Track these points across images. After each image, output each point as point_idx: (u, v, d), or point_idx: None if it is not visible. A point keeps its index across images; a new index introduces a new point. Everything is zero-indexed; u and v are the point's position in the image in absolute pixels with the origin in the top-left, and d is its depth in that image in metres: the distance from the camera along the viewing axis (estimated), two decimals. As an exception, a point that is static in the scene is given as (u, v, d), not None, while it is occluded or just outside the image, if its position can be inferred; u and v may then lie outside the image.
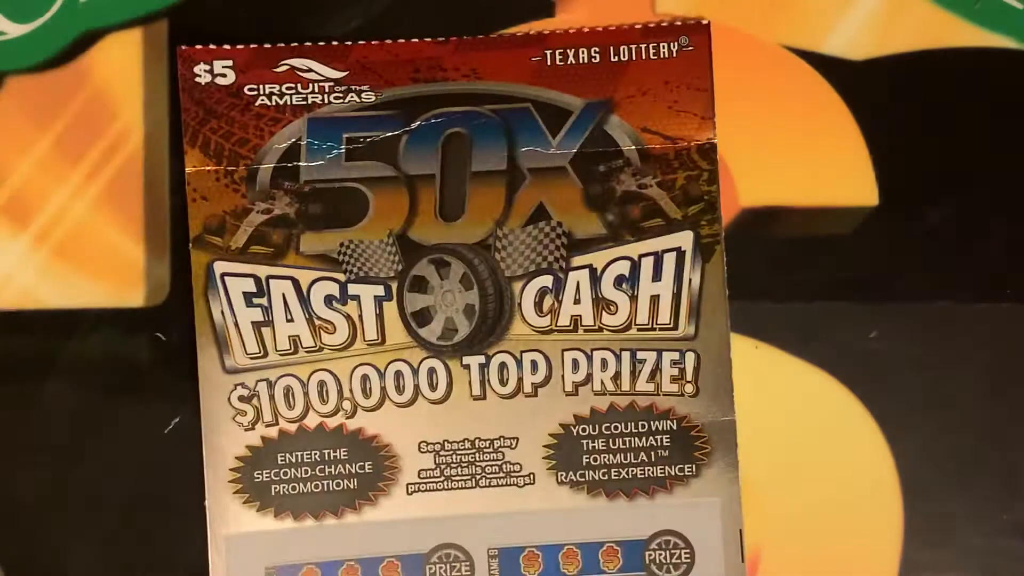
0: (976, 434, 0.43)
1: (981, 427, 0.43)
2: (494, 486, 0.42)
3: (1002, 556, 0.43)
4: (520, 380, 0.42)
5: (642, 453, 0.42)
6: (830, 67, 0.44)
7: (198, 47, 0.42)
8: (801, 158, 0.43)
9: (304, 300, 0.42)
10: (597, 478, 0.42)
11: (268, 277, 0.42)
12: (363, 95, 0.42)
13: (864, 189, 0.43)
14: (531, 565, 0.42)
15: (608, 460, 0.42)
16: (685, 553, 0.42)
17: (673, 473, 0.42)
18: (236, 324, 0.41)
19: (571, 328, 0.42)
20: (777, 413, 0.43)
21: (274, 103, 0.42)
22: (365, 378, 0.42)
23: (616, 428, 0.42)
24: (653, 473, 0.42)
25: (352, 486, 0.42)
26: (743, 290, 0.43)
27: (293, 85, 0.42)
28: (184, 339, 0.42)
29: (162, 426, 0.43)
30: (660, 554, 0.42)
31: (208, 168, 0.42)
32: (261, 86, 0.42)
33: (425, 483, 0.42)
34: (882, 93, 0.44)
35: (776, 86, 0.44)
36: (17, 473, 0.43)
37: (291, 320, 0.42)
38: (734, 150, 0.43)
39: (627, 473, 0.42)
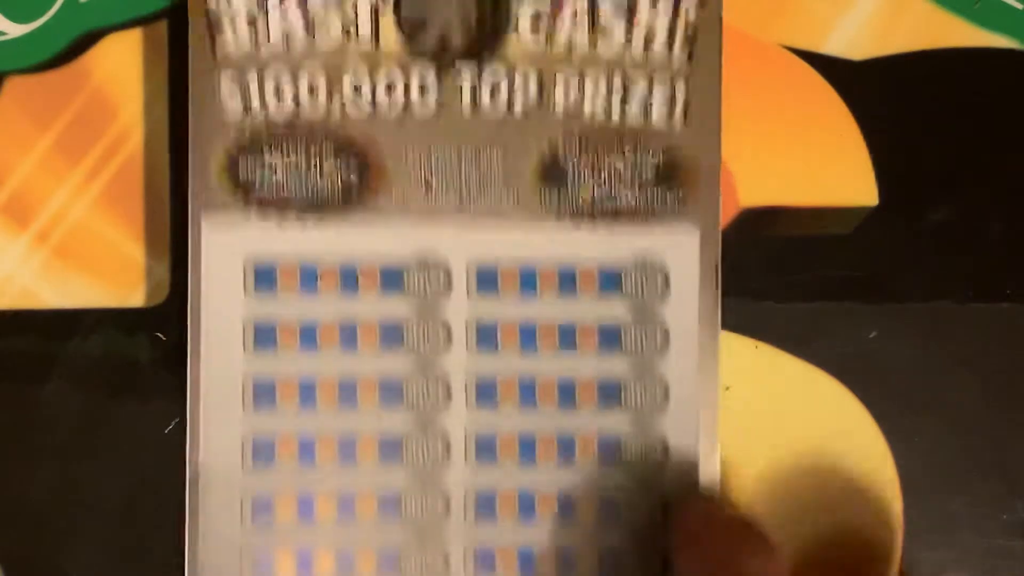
0: (976, 434, 0.43)
1: (981, 427, 0.43)
2: (478, 202, 0.42)
3: (1002, 556, 0.43)
4: (511, 99, 0.41)
5: (627, 181, 0.42)
6: (830, 67, 0.44)
7: None
8: (801, 158, 0.43)
9: None
10: (581, 201, 0.42)
11: None
12: None
13: (864, 189, 0.43)
14: (510, 283, 0.42)
15: (593, 186, 0.42)
16: (661, 280, 0.42)
17: (656, 203, 0.42)
18: (230, 7, 0.41)
19: (566, 50, 0.42)
20: (777, 413, 0.43)
21: None
22: (356, 88, 0.41)
23: (603, 155, 0.42)
24: (636, 202, 0.42)
25: (337, 192, 0.41)
26: (743, 290, 0.43)
27: None
28: (184, 339, 0.42)
29: (162, 426, 0.43)
30: (637, 280, 0.42)
31: None
32: None
33: (411, 196, 0.41)
34: (882, 93, 0.44)
35: (776, 86, 0.44)
36: (17, 473, 0.43)
37: (284, 13, 0.41)
38: (734, 150, 0.43)
39: (611, 201, 0.42)
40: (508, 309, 0.42)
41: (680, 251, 0.42)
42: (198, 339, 0.41)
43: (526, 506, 0.41)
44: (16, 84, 0.43)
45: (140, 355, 0.43)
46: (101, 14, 0.43)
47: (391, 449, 0.42)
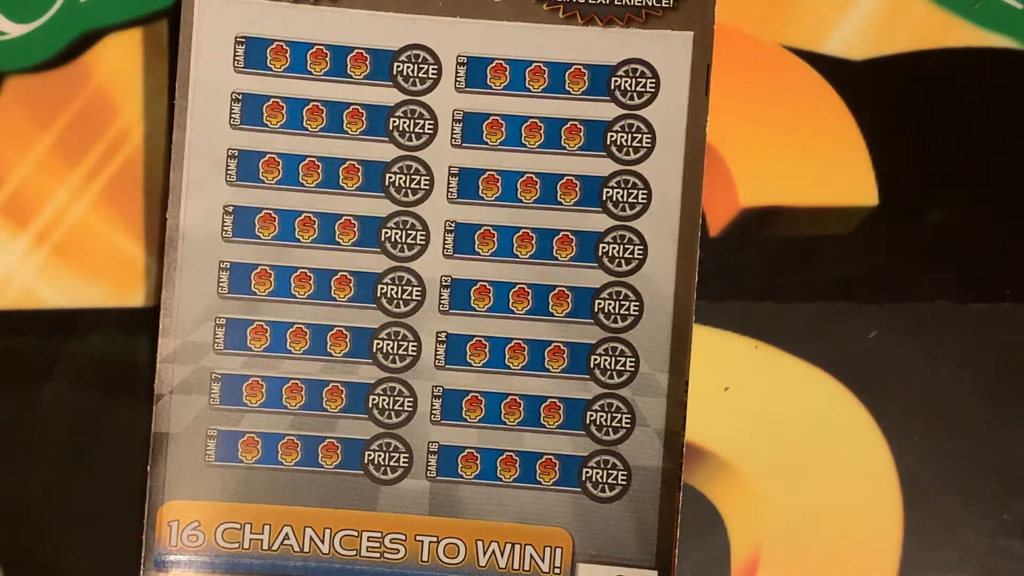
0: (976, 434, 0.43)
1: (981, 427, 0.43)
2: None
3: (1002, 556, 0.43)
4: None
5: None
6: (830, 67, 0.44)
7: None
8: (801, 158, 0.43)
9: None
10: (575, 0, 0.42)
11: None
12: None
13: (864, 189, 0.43)
14: (498, 77, 0.42)
15: None
16: (651, 82, 0.42)
17: (651, 4, 0.42)
18: None
19: None
20: (777, 413, 0.43)
21: None
22: None
23: None
24: (631, 2, 0.42)
25: None
26: (743, 290, 0.43)
27: None
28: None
29: (162, 426, 0.43)
30: (625, 81, 0.42)
31: None
32: None
33: None
34: (882, 93, 0.44)
35: (776, 86, 0.44)
36: (17, 473, 0.43)
37: None
38: (734, 150, 0.43)
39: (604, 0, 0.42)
40: (495, 102, 0.42)
41: (672, 54, 0.42)
42: (184, 110, 0.42)
43: (501, 297, 0.42)
44: (16, 84, 0.43)
45: (140, 355, 0.43)
46: (101, 14, 0.43)
47: (370, 232, 0.42)
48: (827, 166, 0.43)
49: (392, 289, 0.42)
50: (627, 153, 0.42)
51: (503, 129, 0.42)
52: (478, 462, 0.42)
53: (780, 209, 0.43)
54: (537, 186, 0.42)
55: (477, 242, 0.42)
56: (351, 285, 0.42)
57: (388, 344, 0.42)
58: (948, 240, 0.43)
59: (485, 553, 0.41)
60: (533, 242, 0.42)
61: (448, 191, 0.42)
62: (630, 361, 0.42)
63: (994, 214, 0.43)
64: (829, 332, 0.43)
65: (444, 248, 0.42)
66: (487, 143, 0.42)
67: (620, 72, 0.42)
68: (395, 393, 0.42)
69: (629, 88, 0.42)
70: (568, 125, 0.42)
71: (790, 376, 0.43)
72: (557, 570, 0.41)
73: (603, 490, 0.41)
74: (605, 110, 0.42)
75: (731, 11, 0.43)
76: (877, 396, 0.43)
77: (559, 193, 0.42)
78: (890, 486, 0.43)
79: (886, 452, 0.43)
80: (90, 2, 0.43)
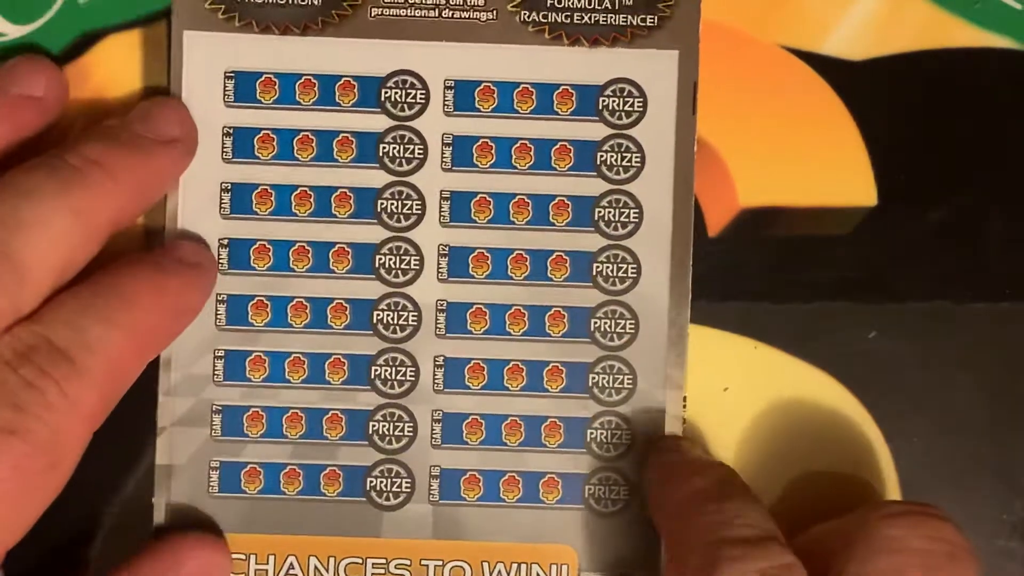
0: (976, 434, 0.43)
1: (981, 427, 0.43)
2: (456, 18, 0.42)
3: (1002, 556, 0.43)
4: None
5: (607, 0, 0.42)
6: (830, 67, 0.44)
7: None
8: (801, 158, 0.43)
9: None
10: (560, 20, 0.42)
11: None
12: None
13: (863, 189, 0.43)
14: (486, 100, 0.42)
15: (572, 4, 0.42)
16: (638, 101, 0.42)
17: (635, 23, 0.42)
18: None
19: None
20: (776, 413, 0.43)
21: None
22: None
23: None
24: (616, 21, 0.42)
25: (317, 2, 0.42)
26: (743, 290, 0.43)
27: None
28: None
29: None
30: (613, 100, 0.42)
31: None
32: None
33: (390, 10, 0.42)
34: (882, 93, 0.44)
35: (775, 86, 0.44)
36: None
37: None
38: (734, 150, 0.43)
39: (590, 19, 0.42)
40: (484, 125, 0.42)
41: (658, 73, 0.42)
42: None
43: (497, 319, 0.42)
44: (16, 85, 0.43)
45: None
46: (101, 14, 0.43)
47: (364, 259, 0.42)
48: (826, 166, 0.43)
49: (388, 315, 0.42)
50: (617, 173, 0.42)
51: (493, 151, 0.42)
52: (481, 484, 0.42)
53: (779, 209, 0.43)
54: (529, 207, 0.42)
55: (471, 265, 0.42)
56: (347, 313, 0.42)
57: (386, 370, 0.42)
58: (948, 240, 0.43)
59: (491, 574, 0.41)
60: (527, 263, 0.42)
61: (440, 215, 0.42)
62: (628, 379, 0.42)
63: (994, 214, 0.43)
64: (829, 332, 0.43)
65: (438, 272, 0.42)
66: (477, 166, 0.42)
67: (607, 92, 0.42)
68: (395, 419, 0.42)
69: (617, 108, 0.42)
70: (558, 146, 0.42)
71: (790, 376, 0.43)
72: None
73: (606, 505, 0.41)
74: (594, 130, 0.42)
75: (728, 10, 0.43)
76: (877, 396, 0.43)
77: (551, 214, 0.42)
78: (890, 486, 0.43)
79: (886, 452, 0.43)
80: (90, 3, 0.43)
